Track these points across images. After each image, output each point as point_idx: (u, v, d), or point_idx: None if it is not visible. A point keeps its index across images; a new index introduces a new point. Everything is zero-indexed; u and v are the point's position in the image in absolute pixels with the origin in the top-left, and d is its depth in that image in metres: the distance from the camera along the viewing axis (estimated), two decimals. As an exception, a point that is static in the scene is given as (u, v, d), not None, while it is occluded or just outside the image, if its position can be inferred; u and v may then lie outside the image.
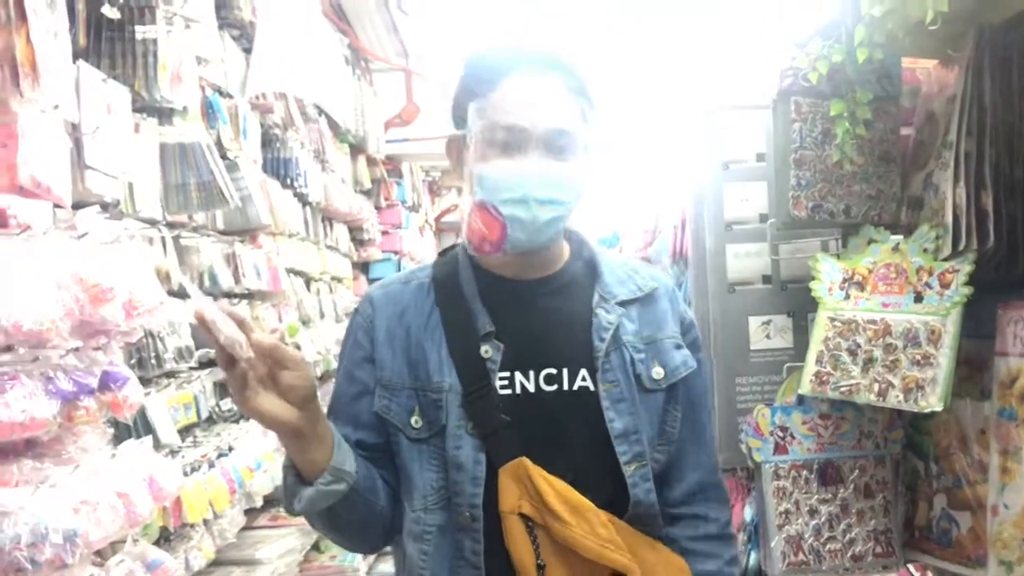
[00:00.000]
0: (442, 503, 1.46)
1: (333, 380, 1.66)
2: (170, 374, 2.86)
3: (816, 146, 1.92)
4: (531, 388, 1.49)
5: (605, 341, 1.51)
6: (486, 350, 1.47)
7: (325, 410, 1.48)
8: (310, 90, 3.85)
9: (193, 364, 2.86)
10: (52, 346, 1.79)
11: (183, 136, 2.84)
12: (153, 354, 2.52)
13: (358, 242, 6.86)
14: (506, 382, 1.48)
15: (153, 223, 2.70)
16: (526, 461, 1.43)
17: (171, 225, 2.89)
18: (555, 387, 1.49)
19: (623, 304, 1.56)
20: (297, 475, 1.41)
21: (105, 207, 2.31)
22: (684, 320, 1.63)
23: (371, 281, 6.87)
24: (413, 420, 1.47)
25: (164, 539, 2.68)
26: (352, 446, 1.45)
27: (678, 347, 1.58)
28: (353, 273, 6.70)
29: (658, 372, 1.54)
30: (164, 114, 2.84)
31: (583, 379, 1.50)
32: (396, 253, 7.67)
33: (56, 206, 1.98)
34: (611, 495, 1.47)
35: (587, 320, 1.54)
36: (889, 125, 1.94)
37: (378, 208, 7.44)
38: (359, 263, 7.07)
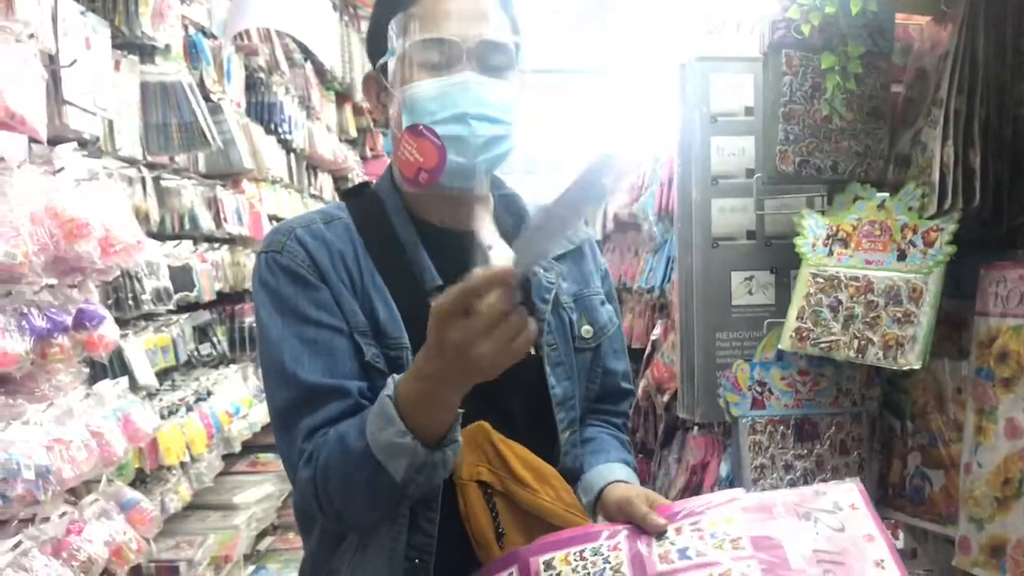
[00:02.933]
0: None
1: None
2: (148, 316, 2.84)
3: (805, 100, 1.90)
4: None
5: (548, 303, 1.43)
6: None
7: (267, 370, 1.31)
8: (294, 27, 3.75)
9: (171, 307, 2.83)
10: (26, 282, 1.77)
11: (165, 75, 2.79)
12: (130, 295, 2.49)
13: (341, 192, 6.81)
14: None
15: (133, 163, 2.66)
16: (486, 425, 1.34)
17: (151, 166, 2.85)
18: None
19: (557, 260, 1.48)
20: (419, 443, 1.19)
21: (84, 144, 2.27)
22: (603, 271, 1.58)
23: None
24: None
25: (140, 481, 2.67)
26: (348, 401, 1.30)
27: (603, 303, 1.54)
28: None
29: (587, 330, 1.48)
30: (146, 52, 2.79)
31: None
32: (380, 204, 7.60)
33: (32, 140, 1.94)
34: (543, 459, 1.39)
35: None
36: (880, 81, 1.91)
37: (363, 158, 7.39)
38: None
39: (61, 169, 1.84)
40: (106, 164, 2.30)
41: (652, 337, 3.70)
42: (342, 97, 6.49)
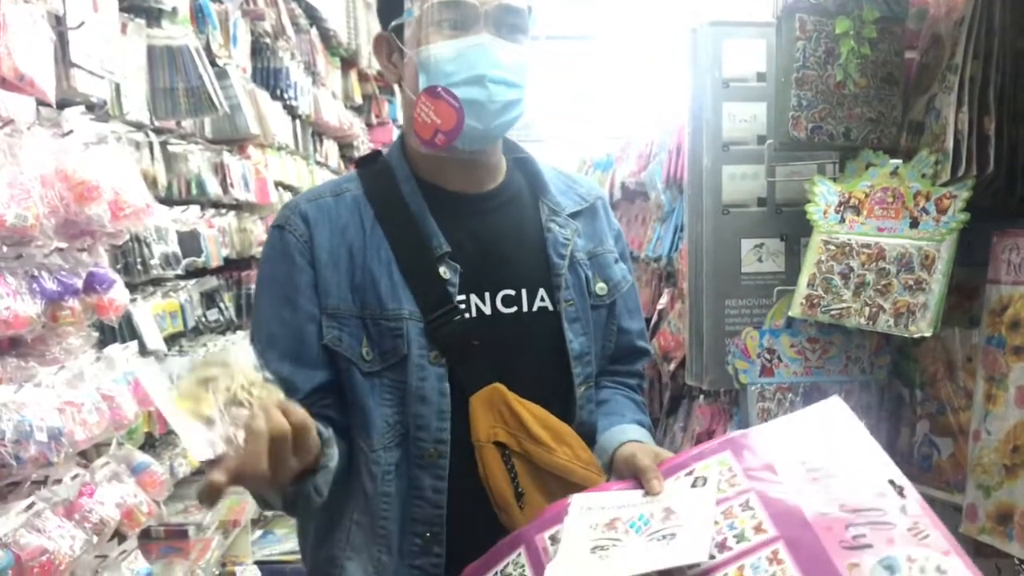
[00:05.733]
0: (397, 439, 1.36)
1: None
2: (156, 282, 2.84)
3: (819, 66, 1.88)
4: (487, 311, 1.39)
5: (564, 258, 1.44)
6: (444, 271, 1.36)
7: (252, 344, 1.29)
8: None
9: (180, 272, 2.83)
10: (36, 245, 1.77)
11: (172, 39, 2.77)
12: (139, 259, 2.49)
13: (348, 159, 6.78)
14: (463, 306, 1.37)
15: (140, 127, 2.65)
16: (501, 387, 1.35)
17: (158, 131, 2.84)
18: (514, 309, 1.40)
19: (572, 217, 1.49)
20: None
21: (91, 108, 2.26)
22: (616, 230, 1.58)
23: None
24: (364, 352, 1.35)
25: (149, 446, 2.69)
26: (307, 393, 1.32)
27: (616, 261, 1.54)
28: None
29: (602, 288, 1.49)
30: (152, 16, 2.77)
31: (541, 299, 1.42)
32: (386, 171, 7.57)
33: (40, 103, 1.93)
34: (559, 417, 1.40)
35: (538, 236, 1.45)
36: (894, 46, 1.90)
37: (369, 125, 7.35)
38: (348, 181, 6.99)
39: (70, 132, 1.83)
40: (114, 128, 2.29)
41: (658, 306, 3.70)
42: (347, 63, 6.45)
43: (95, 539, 1.80)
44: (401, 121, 8.41)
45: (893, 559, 0.99)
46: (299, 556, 3.57)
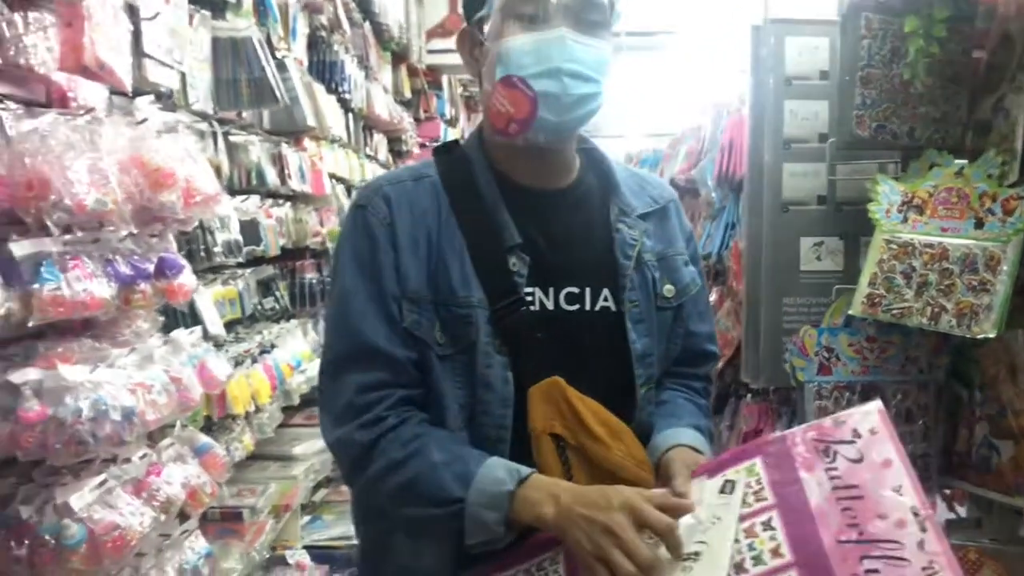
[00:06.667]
0: (466, 421, 1.38)
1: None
2: (215, 269, 2.90)
3: (884, 64, 1.88)
4: (550, 306, 1.41)
5: (631, 259, 1.45)
6: (513, 263, 1.38)
7: (334, 320, 1.40)
8: None
9: (241, 260, 2.89)
10: (110, 230, 1.82)
11: (236, 31, 2.82)
12: (202, 247, 2.55)
13: (395, 153, 6.83)
14: (529, 298, 1.39)
15: (205, 117, 2.70)
16: (561, 381, 1.36)
17: (221, 121, 2.89)
18: (576, 307, 1.42)
19: (642, 218, 1.50)
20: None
21: (158, 97, 2.31)
22: (688, 232, 1.59)
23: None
24: (437, 336, 1.37)
25: (207, 429, 2.74)
26: (399, 370, 1.36)
27: (686, 264, 1.54)
28: (391, 184, 6.67)
29: (669, 290, 1.49)
30: (217, 7, 2.82)
31: (605, 299, 1.44)
32: (433, 167, 7.58)
33: (114, 92, 1.98)
34: (618, 415, 1.41)
35: (606, 235, 1.46)
36: (961, 46, 1.89)
37: (417, 120, 7.39)
38: (396, 174, 7.03)
39: (145, 120, 1.88)
40: (179, 118, 2.34)
41: (707, 304, 3.68)
42: (398, 58, 6.48)
43: (162, 517, 1.85)
44: (448, 116, 8.48)
45: None
46: (347, 542, 3.61)
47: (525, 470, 1.29)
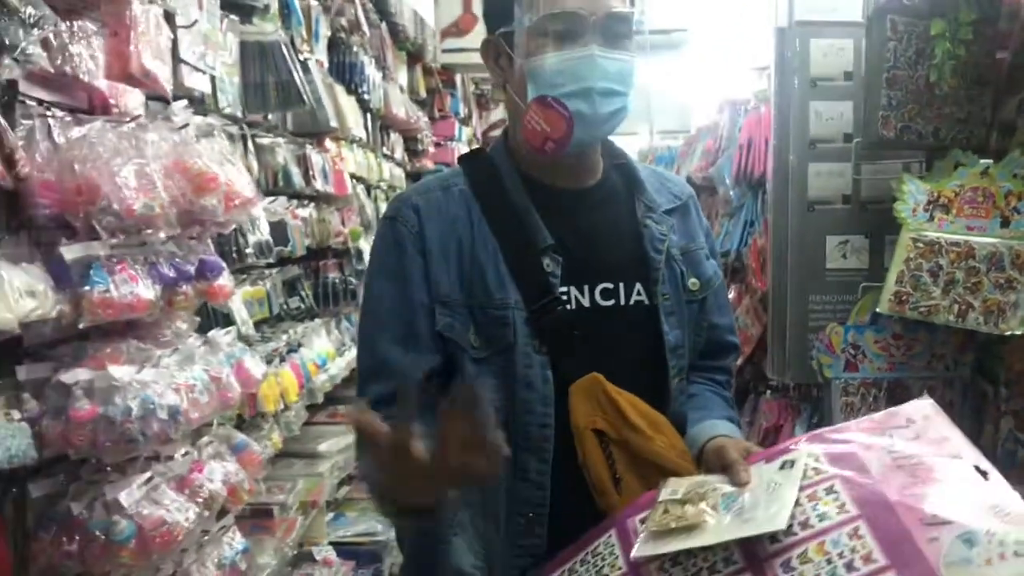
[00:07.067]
0: (501, 422, 1.37)
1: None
2: (243, 270, 2.94)
3: (909, 66, 1.91)
4: (586, 303, 1.43)
5: (662, 253, 1.48)
6: (547, 263, 1.41)
7: (360, 330, 1.44)
8: None
9: (272, 260, 2.93)
10: (149, 232, 1.86)
11: (263, 35, 2.86)
12: (234, 248, 2.59)
13: (411, 152, 6.87)
14: (564, 297, 1.42)
15: (235, 120, 2.74)
16: (599, 377, 1.39)
17: (250, 124, 2.94)
18: (612, 302, 1.45)
19: (667, 214, 1.53)
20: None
21: (191, 101, 2.36)
22: (706, 228, 1.62)
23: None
24: (472, 339, 1.40)
25: (238, 427, 2.78)
26: (422, 378, 1.38)
27: (707, 257, 1.57)
28: (407, 183, 6.73)
29: (694, 283, 1.52)
30: (244, 12, 2.86)
31: (638, 293, 1.47)
32: (448, 165, 7.64)
33: (150, 97, 2.03)
34: (652, 407, 1.43)
35: (634, 231, 1.49)
36: (985, 47, 1.92)
37: (431, 119, 7.43)
38: (411, 173, 7.10)
39: (186, 125, 1.92)
40: (210, 121, 2.38)
41: (726, 301, 3.71)
42: (413, 58, 6.53)
43: (206, 513, 1.90)
44: (463, 115, 8.51)
45: (972, 533, 1.01)
46: (372, 538, 3.63)
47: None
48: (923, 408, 1.25)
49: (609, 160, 1.56)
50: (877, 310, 1.93)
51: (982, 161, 1.87)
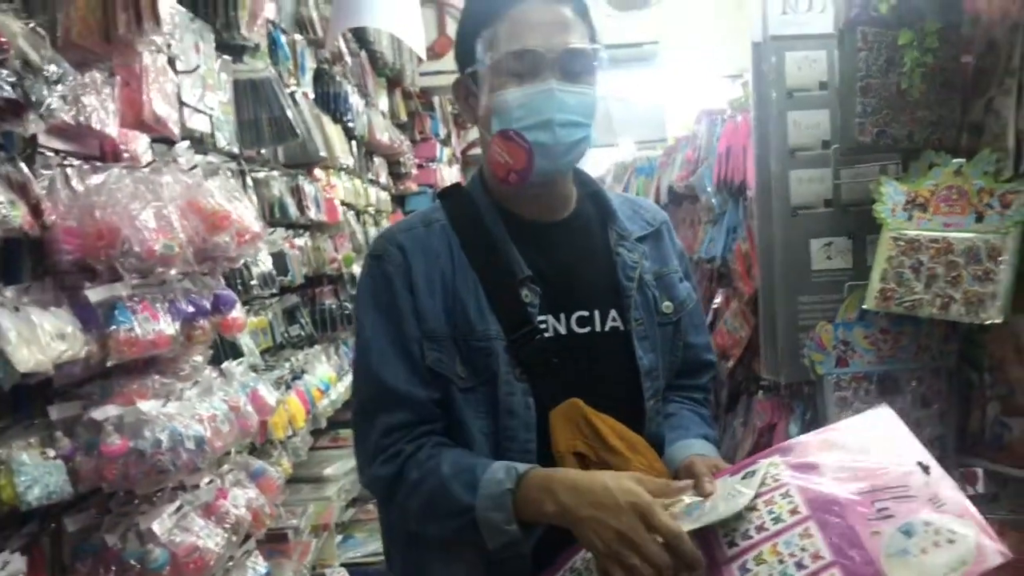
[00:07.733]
0: (491, 450, 1.45)
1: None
2: (246, 301, 3.01)
3: (881, 74, 2.01)
4: (563, 331, 1.49)
5: (633, 280, 1.55)
6: (525, 294, 1.46)
7: (358, 367, 1.49)
8: (397, 26, 3.88)
9: (275, 291, 3.01)
10: (162, 271, 1.93)
11: (254, 72, 2.94)
12: (239, 280, 2.67)
13: (395, 175, 6.95)
14: (542, 326, 1.47)
15: (233, 157, 2.82)
16: (579, 402, 1.44)
17: (246, 159, 3.02)
18: (587, 329, 1.50)
19: (639, 241, 1.60)
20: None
21: (192, 141, 2.43)
22: (679, 250, 1.69)
23: (408, 214, 6.94)
24: (459, 370, 1.45)
25: (249, 455, 2.85)
26: (420, 409, 1.44)
27: (681, 280, 1.64)
28: (392, 206, 6.81)
29: (668, 306, 1.59)
30: (235, 51, 2.94)
31: (613, 319, 1.53)
32: (431, 187, 7.71)
33: (155, 140, 2.10)
34: (630, 429, 1.48)
35: (607, 260, 1.56)
36: (951, 53, 2.02)
37: (413, 142, 7.52)
38: (396, 196, 7.17)
39: (195, 167, 2.00)
40: (211, 160, 2.46)
41: (713, 306, 3.80)
42: (392, 83, 6.63)
43: (233, 538, 1.97)
44: (443, 136, 8.61)
45: (911, 524, 1.11)
46: (380, 559, 3.71)
47: (523, 467, 1.35)
48: (879, 413, 1.35)
49: (582, 190, 1.63)
50: (864, 307, 2.01)
51: (955, 161, 1.96)
